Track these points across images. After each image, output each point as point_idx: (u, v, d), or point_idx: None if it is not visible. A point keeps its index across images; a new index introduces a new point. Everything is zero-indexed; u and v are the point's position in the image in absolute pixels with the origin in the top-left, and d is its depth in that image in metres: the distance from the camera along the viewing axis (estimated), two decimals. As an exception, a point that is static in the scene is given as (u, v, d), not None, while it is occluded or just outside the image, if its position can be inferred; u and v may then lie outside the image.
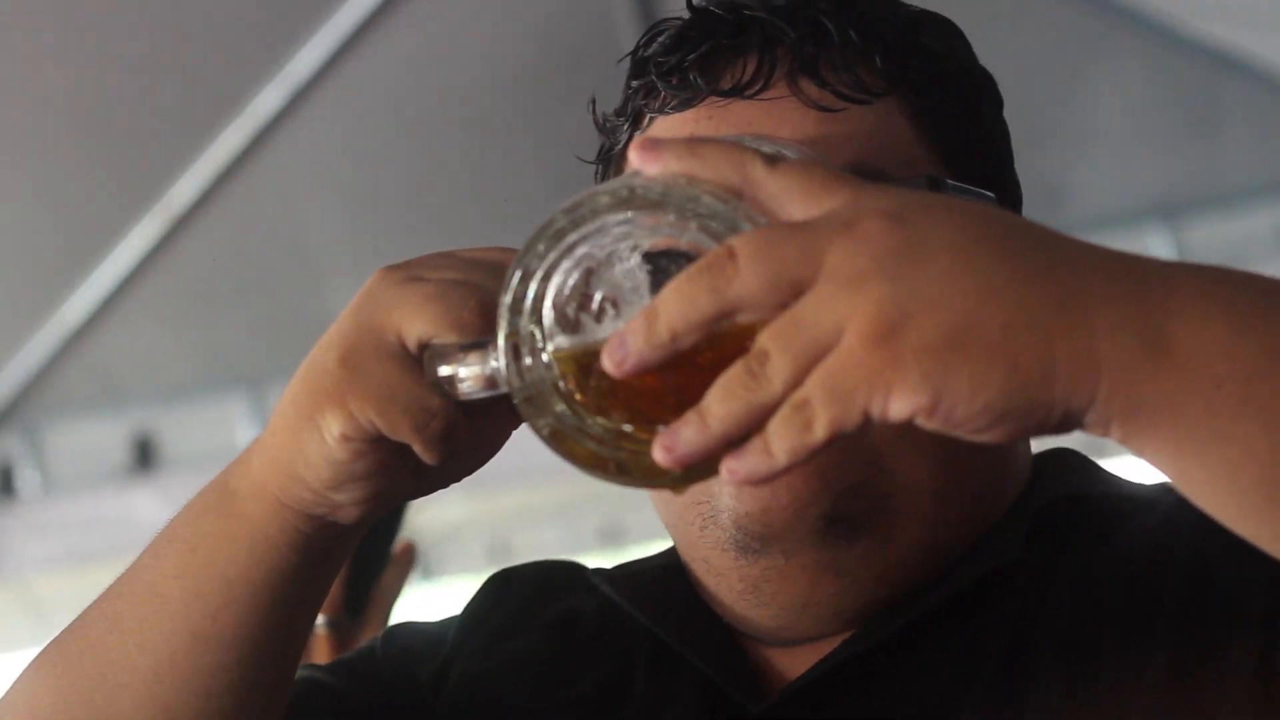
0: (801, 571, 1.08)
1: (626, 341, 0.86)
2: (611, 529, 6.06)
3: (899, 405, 0.82)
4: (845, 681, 1.08)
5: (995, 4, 3.68)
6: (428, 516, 6.81)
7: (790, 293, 0.83)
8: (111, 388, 4.24)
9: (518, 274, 0.93)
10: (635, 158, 0.89)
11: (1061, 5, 3.68)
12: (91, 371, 4.20)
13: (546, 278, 0.93)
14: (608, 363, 0.87)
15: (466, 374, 0.97)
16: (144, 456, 4.25)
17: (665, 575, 1.19)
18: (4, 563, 2.91)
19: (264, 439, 1.03)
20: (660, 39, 1.14)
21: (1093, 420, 0.83)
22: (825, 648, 1.10)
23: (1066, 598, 1.07)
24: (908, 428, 1.00)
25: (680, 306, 0.85)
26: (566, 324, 0.93)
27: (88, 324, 4.10)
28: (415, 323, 0.98)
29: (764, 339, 0.83)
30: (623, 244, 0.93)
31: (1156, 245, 3.93)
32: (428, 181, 3.95)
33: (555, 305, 0.93)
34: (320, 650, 1.98)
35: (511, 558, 6.89)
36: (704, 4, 1.14)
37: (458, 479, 1.06)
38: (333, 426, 0.98)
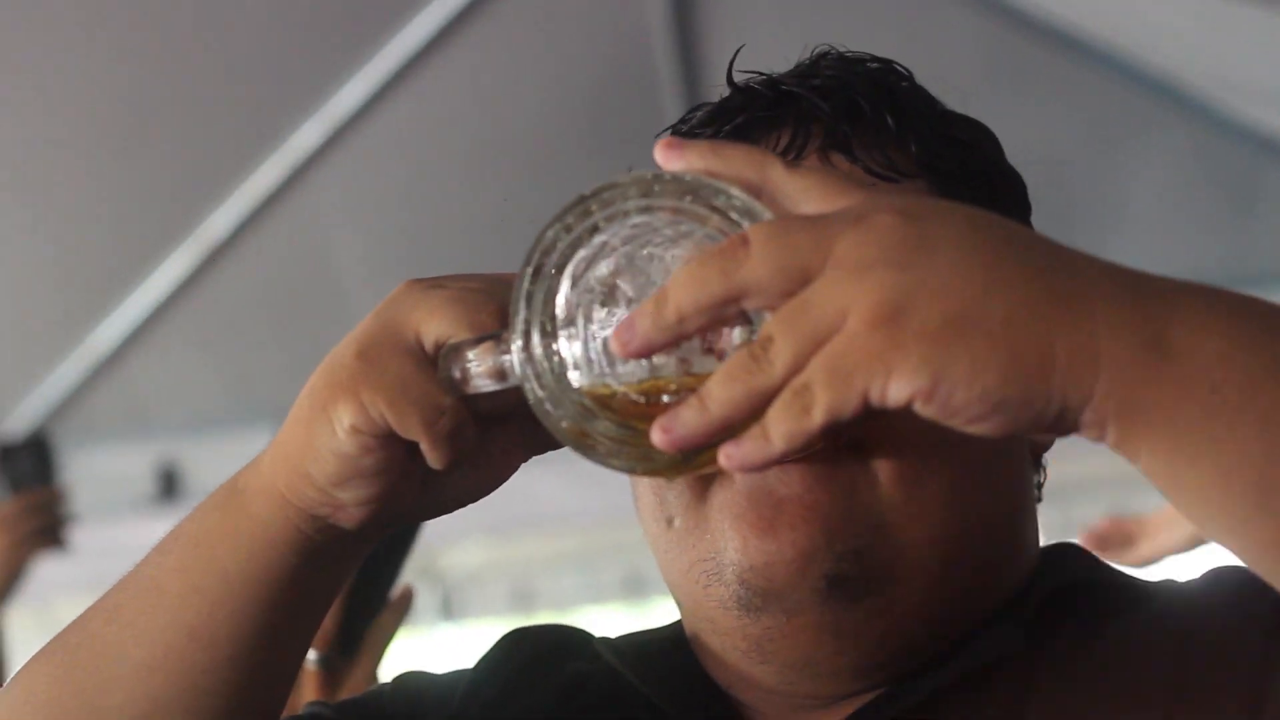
0: (802, 631, 1.08)
1: (634, 323, 0.87)
2: (634, 579, 6.06)
3: (898, 388, 0.83)
4: None
5: (1036, 79, 3.68)
6: (452, 559, 6.80)
7: (799, 280, 0.84)
8: (139, 416, 4.25)
9: (531, 265, 0.94)
10: (660, 155, 0.92)
11: (1103, 81, 3.69)
12: (120, 399, 4.21)
13: (560, 268, 0.94)
14: (615, 344, 0.88)
15: (477, 366, 0.97)
16: (169, 486, 4.26)
17: (670, 648, 1.19)
18: (28, 586, 2.92)
19: (278, 437, 1.04)
20: (699, 113, 1.16)
21: (1089, 419, 0.83)
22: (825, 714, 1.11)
23: (1059, 685, 1.08)
24: (915, 494, 1.03)
25: (689, 289, 0.86)
26: (580, 313, 0.94)
27: (117, 352, 4.11)
28: (433, 323, 1.00)
29: (769, 325, 0.85)
30: (640, 234, 0.93)
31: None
32: (462, 220, 3.96)
33: (568, 295, 0.94)
34: (308, 685, 1.98)
35: (534, 603, 6.88)
36: (744, 81, 1.15)
37: (464, 501, 1.07)
38: (344, 418, 0.99)
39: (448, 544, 6.68)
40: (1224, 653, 1.04)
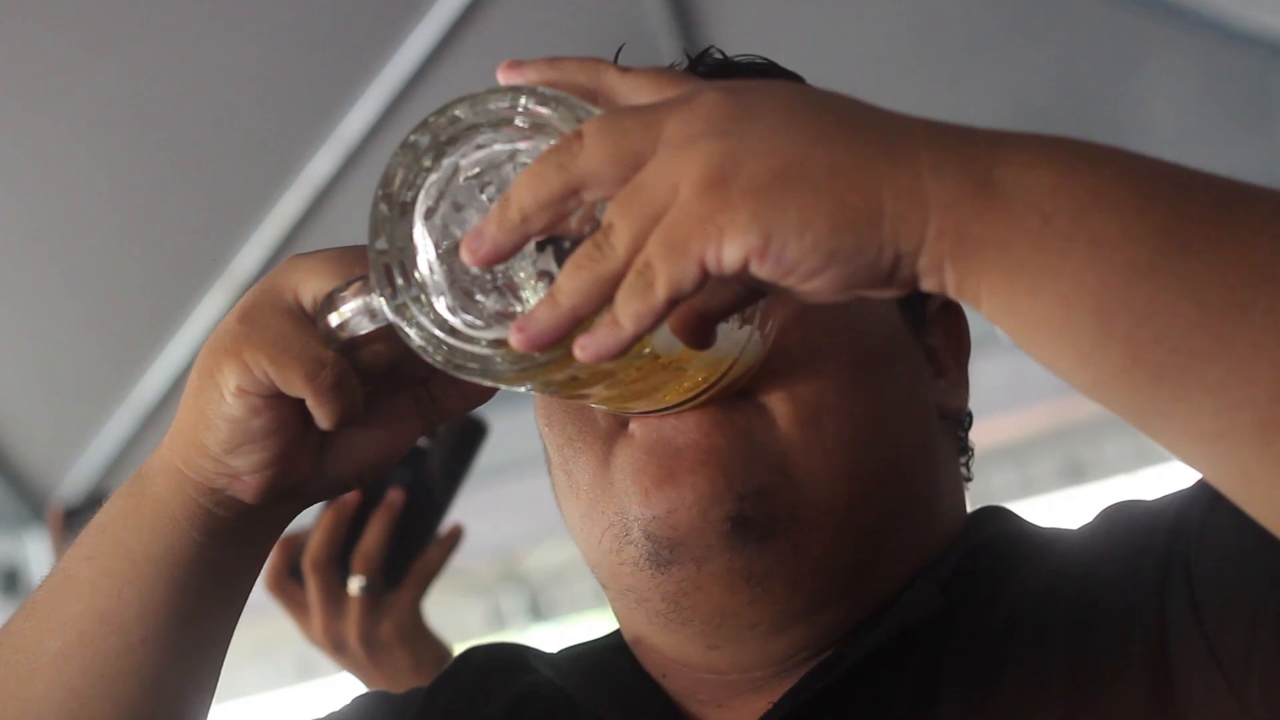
0: (714, 580, 1.10)
1: (481, 230, 0.89)
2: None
3: (731, 249, 0.84)
4: None
5: (1040, 7, 3.67)
6: (536, 561, 6.81)
7: (632, 165, 0.86)
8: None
9: (381, 198, 0.96)
10: (501, 75, 0.94)
11: (1108, 10, 3.67)
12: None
13: (412, 197, 0.96)
14: (465, 254, 0.90)
15: (348, 310, 0.99)
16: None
17: (609, 655, 1.22)
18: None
19: (176, 417, 1.06)
20: None
21: (925, 265, 0.84)
22: (760, 706, 1.13)
23: (969, 643, 1.09)
24: (812, 435, 1.08)
25: (529, 187, 0.88)
26: (437, 237, 0.96)
27: (164, 400, 4.12)
28: (310, 280, 1.01)
29: (608, 213, 0.86)
30: (486, 150, 0.95)
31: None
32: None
33: (424, 224, 0.96)
34: (352, 611, 2.01)
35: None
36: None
37: (365, 473, 1.08)
38: (229, 380, 1.00)
39: (530, 546, 6.70)
40: (1121, 595, 1.06)
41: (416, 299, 0.95)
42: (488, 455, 4.33)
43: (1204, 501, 1.06)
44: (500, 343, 0.95)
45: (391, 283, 0.95)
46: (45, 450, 4.14)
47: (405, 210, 0.96)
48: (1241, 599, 1.01)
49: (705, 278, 0.85)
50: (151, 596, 1.06)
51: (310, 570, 2.04)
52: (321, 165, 3.84)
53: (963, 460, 1.25)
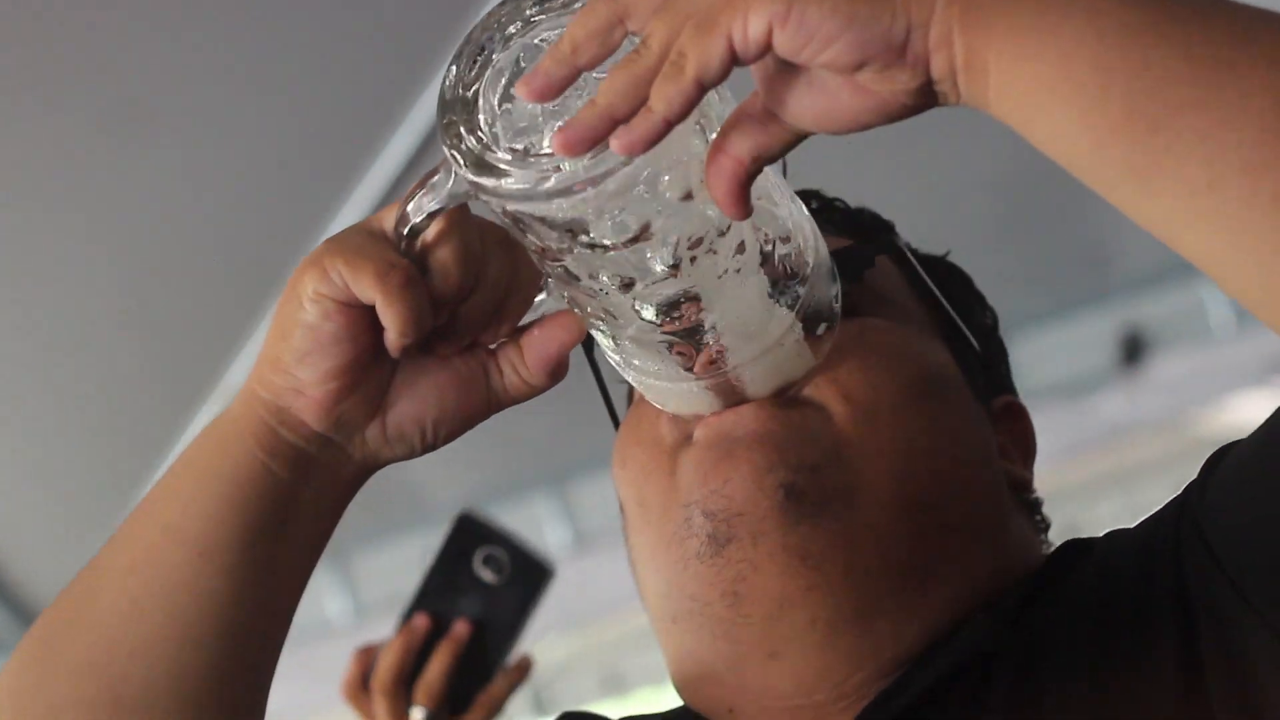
0: (770, 559, 1.13)
1: (536, 69, 0.96)
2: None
3: (756, 20, 0.90)
4: None
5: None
6: (540, 654, 6.78)
7: None
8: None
9: (444, 104, 1.03)
10: None
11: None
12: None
13: (474, 99, 1.03)
14: (521, 90, 0.96)
15: (418, 201, 1.05)
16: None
17: None
18: None
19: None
20: None
21: (935, 38, 0.91)
22: None
23: (1024, 668, 1.13)
24: (867, 433, 1.14)
25: (580, 22, 0.95)
26: (500, 126, 1.03)
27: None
28: (393, 211, 1.06)
29: (649, 25, 0.93)
30: (541, 37, 1.03)
31: (1211, 294, 3.92)
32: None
33: (489, 115, 1.02)
34: None
35: (625, 684, 6.84)
36: None
37: (421, 432, 1.12)
38: (308, 286, 1.05)
39: (534, 640, 6.71)
40: (1141, 572, 1.11)
41: (478, 142, 1.02)
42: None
43: (1205, 471, 1.11)
44: (547, 176, 1.00)
45: (458, 138, 1.02)
46: (43, 571, 4.14)
47: (470, 106, 1.02)
48: (1257, 531, 1.05)
49: (732, 58, 0.91)
50: (214, 511, 1.08)
51: (376, 693, 2.07)
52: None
53: (1039, 523, 1.30)
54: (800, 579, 1.13)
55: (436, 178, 1.04)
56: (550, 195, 0.99)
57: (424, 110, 3.52)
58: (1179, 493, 1.15)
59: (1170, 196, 0.87)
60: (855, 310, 1.21)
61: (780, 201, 1.11)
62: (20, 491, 4.06)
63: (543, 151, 1.01)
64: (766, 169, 1.02)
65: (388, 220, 1.06)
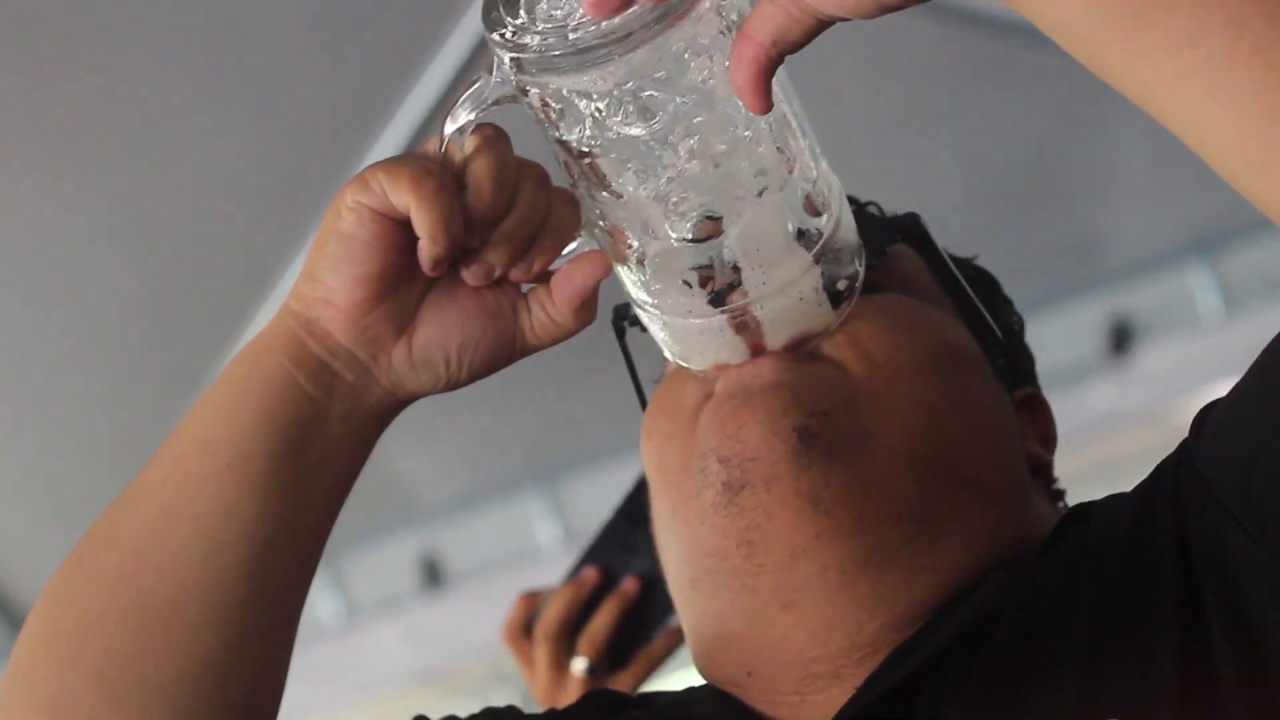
0: (782, 505, 1.15)
1: None
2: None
3: None
4: None
5: (1008, 62, 3.70)
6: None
7: None
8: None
9: (489, 12, 1.08)
10: None
11: (1065, 62, 3.70)
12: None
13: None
14: (588, 6, 1.02)
15: (456, 110, 1.09)
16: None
17: (697, 698, 1.27)
18: None
19: None
20: None
21: None
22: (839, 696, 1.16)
23: (1028, 629, 1.14)
24: (882, 388, 1.17)
25: None
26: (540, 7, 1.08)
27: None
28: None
29: None
30: None
31: (1199, 283, 3.93)
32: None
33: (532, 14, 1.08)
34: (573, 688, 2.06)
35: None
36: None
37: (446, 360, 1.14)
38: (347, 196, 1.07)
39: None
40: (1141, 521, 1.13)
41: (517, 21, 1.07)
42: (476, 553, 4.38)
43: (1196, 424, 1.13)
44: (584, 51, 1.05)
45: (498, 21, 1.07)
46: (40, 583, 4.14)
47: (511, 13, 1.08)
48: (1253, 462, 1.06)
49: None
50: (243, 421, 1.09)
51: (539, 638, 2.11)
52: (292, 278, 3.84)
53: (1061, 510, 1.30)
54: (811, 525, 1.15)
55: (475, 85, 1.07)
56: (583, 57, 1.04)
57: (452, 53, 3.51)
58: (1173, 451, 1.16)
59: (1158, 54, 0.88)
60: (879, 288, 1.23)
61: (805, 144, 1.15)
62: (14, 496, 4.06)
63: (579, 21, 1.05)
64: (796, 121, 1.07)
65: (431, 145, 1.09)
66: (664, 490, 1.24)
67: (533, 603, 2.13)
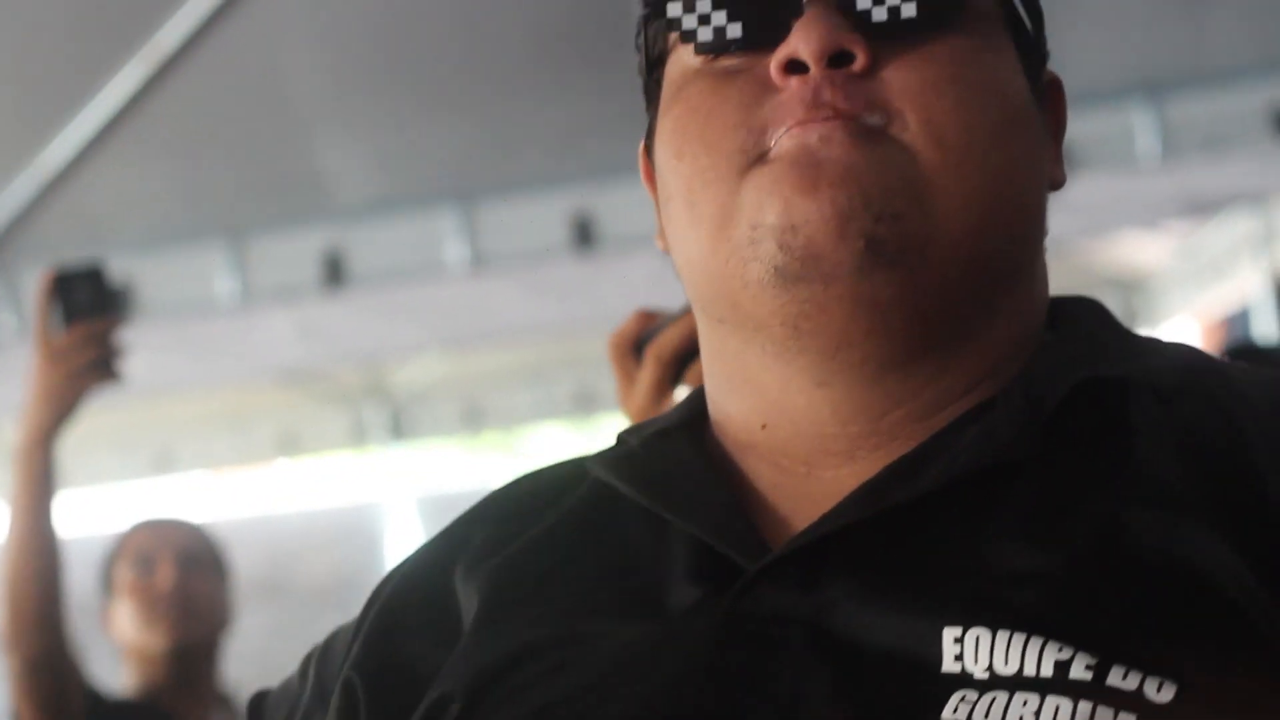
0: (838, 303, 1.13)
1: None
2: (585, 394, 6.09)
3: None
4: (849, 540, 1.12)
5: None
6: (403, 376, 6.78)
7: None
8: (92, 234, 4.23)
9: None
10: None
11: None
12: (72, 217, 4.19)
13: None
14: None
15: None
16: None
17: (675, 437, 1.25)
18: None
19: None
20: None
21: None
22: (832, 495, 1.15)
23: (1059, 487, 1.12)
24: (949, 172, 1.15)
25: None
26: None
27: (69, 168, 4.08)
28: None
29: None
30: None
31: (1141, 122, 3.93)
32: (415, 33, 3.93)
33: None
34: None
35: (483, 421, 6.84)
36: None
37: None
38: None
39: (399, 361, 6.70)
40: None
41: None
42: (368, 259, 4.37)
43: None
44: None
45: None
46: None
47: None
48: None
49: None
50: None
51: (650, 358, 2.05)
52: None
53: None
54: (863, 323, 1.14)
55: None
56: None
57: None
58: None
59: None
60: (941, 21, 1.18)
61: None
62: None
63: None
64: None
65: None
66: (690, 224, 1.19)
67: (649, 321, 2.06)
